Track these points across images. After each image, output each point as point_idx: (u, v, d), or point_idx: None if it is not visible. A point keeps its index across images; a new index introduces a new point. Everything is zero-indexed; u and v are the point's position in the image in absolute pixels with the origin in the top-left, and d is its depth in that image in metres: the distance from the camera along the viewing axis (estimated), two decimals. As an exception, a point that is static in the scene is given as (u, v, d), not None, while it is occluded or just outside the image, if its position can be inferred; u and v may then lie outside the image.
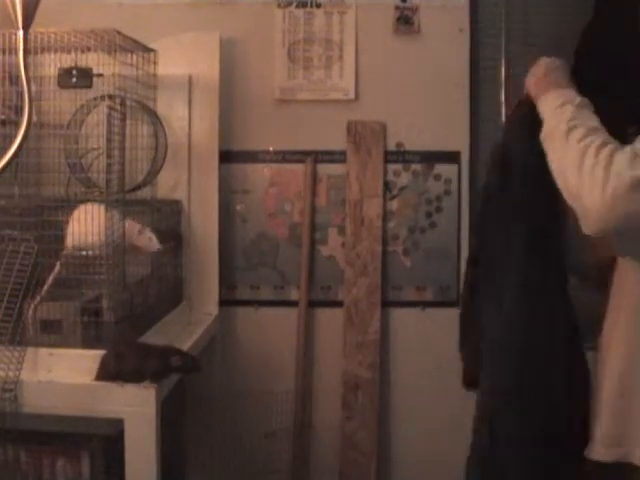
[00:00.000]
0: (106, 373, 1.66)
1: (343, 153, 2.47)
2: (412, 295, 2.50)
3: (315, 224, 2.49)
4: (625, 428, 1.34)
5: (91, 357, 1.69)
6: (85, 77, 1.88)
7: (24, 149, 1.72)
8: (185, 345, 1.97)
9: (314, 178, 2.48)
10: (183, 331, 2.13)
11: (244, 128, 2.48)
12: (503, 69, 2.46)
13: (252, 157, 2.49)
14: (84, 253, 1.81)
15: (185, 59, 2.32)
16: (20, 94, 1.67)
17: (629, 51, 1.75)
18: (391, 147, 2.48)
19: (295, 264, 2.49)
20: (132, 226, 1.86)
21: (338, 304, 2.47)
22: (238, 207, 2.50)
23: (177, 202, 2.32)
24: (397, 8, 2.44)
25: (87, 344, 1.76)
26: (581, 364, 1.46)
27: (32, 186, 1.94)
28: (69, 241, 1.81)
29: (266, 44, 2.46)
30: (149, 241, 1.88)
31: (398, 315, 2.50)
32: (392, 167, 2.48)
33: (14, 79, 1.81)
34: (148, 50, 2.07)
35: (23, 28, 1.63)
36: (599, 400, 1.39)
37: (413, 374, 2.49)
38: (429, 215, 2.49)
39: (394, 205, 2.49)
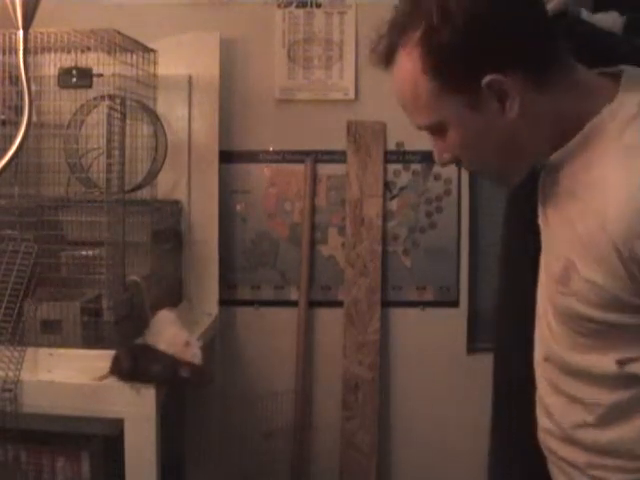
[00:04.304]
0: (119, 370, 1.66)
1: (343, 153, 2.47)
2: (412, 295, 2.50)
3: (315, 224, 2.49)
4: None
5: (91, 357, 1.70)
6: (85, 77, 1.88)
7: (24, 149, 1.73)
8: (185, 345, 1.97)
9: (314, 178, 2.48)
10: (183, 331, 2.13)
11: (244, 128, 2.48)
12: (503, 69, 2.46)
13: (252, 157, 2.49)
14: (84, 253, 1.81)
15: (185, 59, 2.32)
16: (20, 94, 1.67)
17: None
18: (391, 147, 2.48)
19: (295, 264, 2.49)
20: (179, 337, 1.79)
21: (338, 304, 2.47)
22: (238, 207, 2.50)
23: (177, 202, 2.32)
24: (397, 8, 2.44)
25: (87, 344, 1.76)
26: None
27: (32, 186, 1.95)
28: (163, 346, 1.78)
29: (266, 44, 2.46)
30: (192, 357, 1.78)
31: (398, 315, 2.50)
32: (392, 167, 2.48)
33: (14, 79, 1.82)
34: (148, 50, 2.06)
35: (23, 28, 1.64)
36: None
37: (413, 374, 2.49)
38: (429, 215, 2.49)
39: (394, 205, 2.49)
